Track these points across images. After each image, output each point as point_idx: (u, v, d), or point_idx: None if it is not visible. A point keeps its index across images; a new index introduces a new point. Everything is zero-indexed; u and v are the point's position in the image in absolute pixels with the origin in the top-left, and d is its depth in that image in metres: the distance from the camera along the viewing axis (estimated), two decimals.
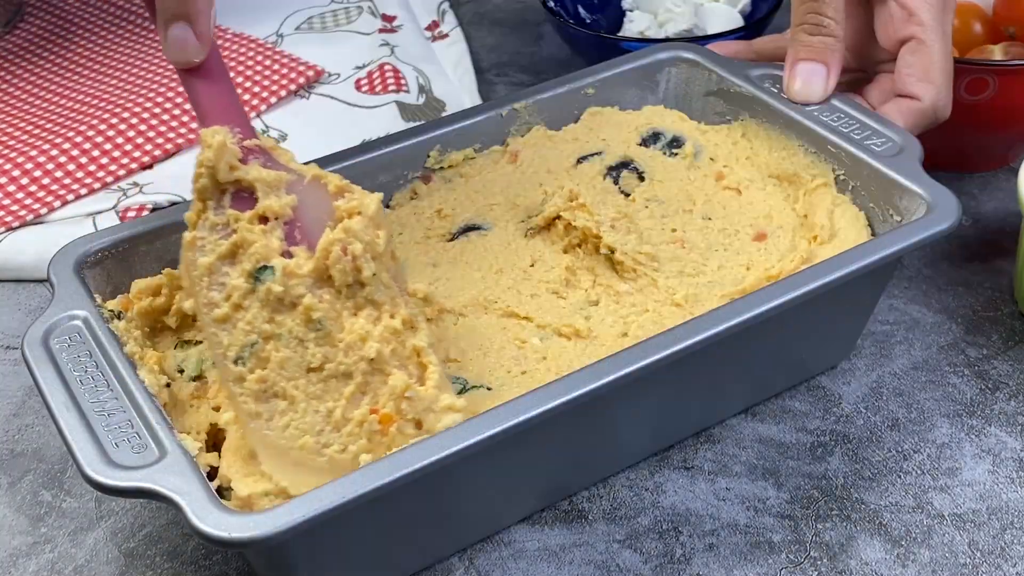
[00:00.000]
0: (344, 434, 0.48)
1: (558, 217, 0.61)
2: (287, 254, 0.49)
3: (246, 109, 0.82)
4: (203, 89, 0.52)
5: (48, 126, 0.80)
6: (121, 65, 0.88)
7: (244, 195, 0.50)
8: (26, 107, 0.84)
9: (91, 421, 0.47)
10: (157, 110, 0.80)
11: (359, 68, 0.88)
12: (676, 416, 0.58)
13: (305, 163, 0.61)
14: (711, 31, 0.83)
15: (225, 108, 0.51)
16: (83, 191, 0.75)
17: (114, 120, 0.79)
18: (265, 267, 0.49)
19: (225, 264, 0.50)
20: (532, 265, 0.60)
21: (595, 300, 0.58)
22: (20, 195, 0.74)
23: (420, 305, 0.55)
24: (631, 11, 0.90)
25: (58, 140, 0.78)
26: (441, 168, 0.65)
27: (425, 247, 0.61)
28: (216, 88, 0.52)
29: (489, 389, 0.53)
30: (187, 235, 0.51)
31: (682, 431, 0.59)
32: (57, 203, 0.74)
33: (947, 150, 0.73)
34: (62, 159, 0.76)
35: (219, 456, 0.50)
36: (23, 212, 0.73)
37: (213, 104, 0.51)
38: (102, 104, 0.82)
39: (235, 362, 0.49)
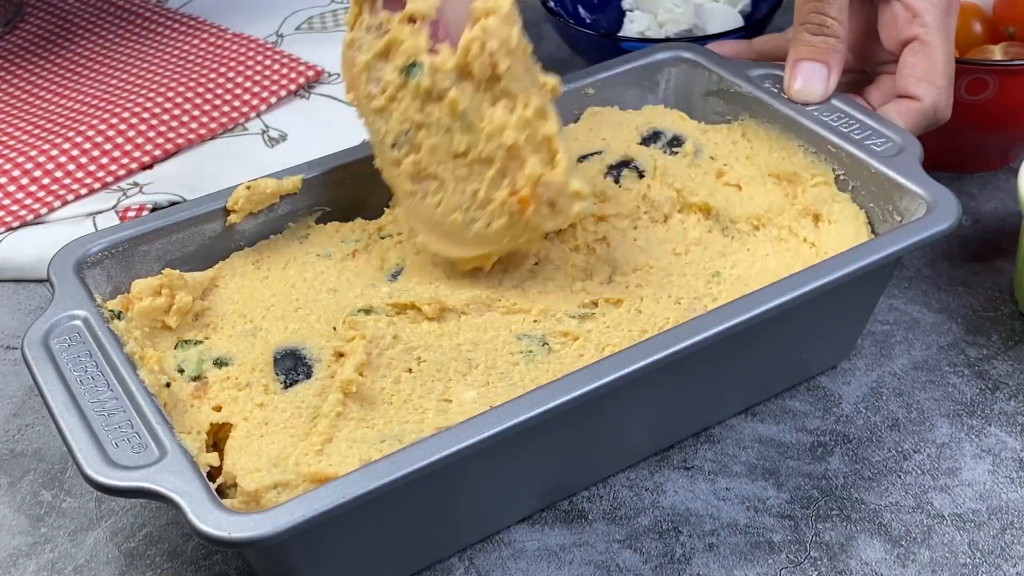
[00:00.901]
0: (488, 212, 0.55)
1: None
2: (434, 52, 0.55)
3: (245, 109, 0.82)
4: None
5: (48, 126, 0.80)
6: (121, 65, 0.88)
7: None
8: (26, 107, 0.84)
9: (91, 421, 0.47)
10: (157, 110, 0.80)
11: None
12: (676, 416, 0.58)
13: (305, 163, 0.62)
14: (711, 31, 0.83)
15: None
16: (83, 191, 0.75)
17: (114, 120, 0.79)
18: (415, 63, 0.55)
19: (380, 61, 0.56)
20: (537, 263, 0.60)
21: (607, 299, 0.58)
22: (20, 195, 0.74)
23: (549, 96, 0.58)
24: (631, 11, 0.90)
25: (58, 140, 0.77)
26: None
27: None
28: None
29: None
30: (346, 36, 0.57)
31: (682, 431, 0.59)
32: (57, 203, 0.74)
33: (947, 150, 0.73)
34: (62, 159, 0.76)
35: (219, 456, 0.50)
36: (23, 212, 0.73)
37: None
38: (102, 104, 0.82)
39: (392, 147, 0.57)
